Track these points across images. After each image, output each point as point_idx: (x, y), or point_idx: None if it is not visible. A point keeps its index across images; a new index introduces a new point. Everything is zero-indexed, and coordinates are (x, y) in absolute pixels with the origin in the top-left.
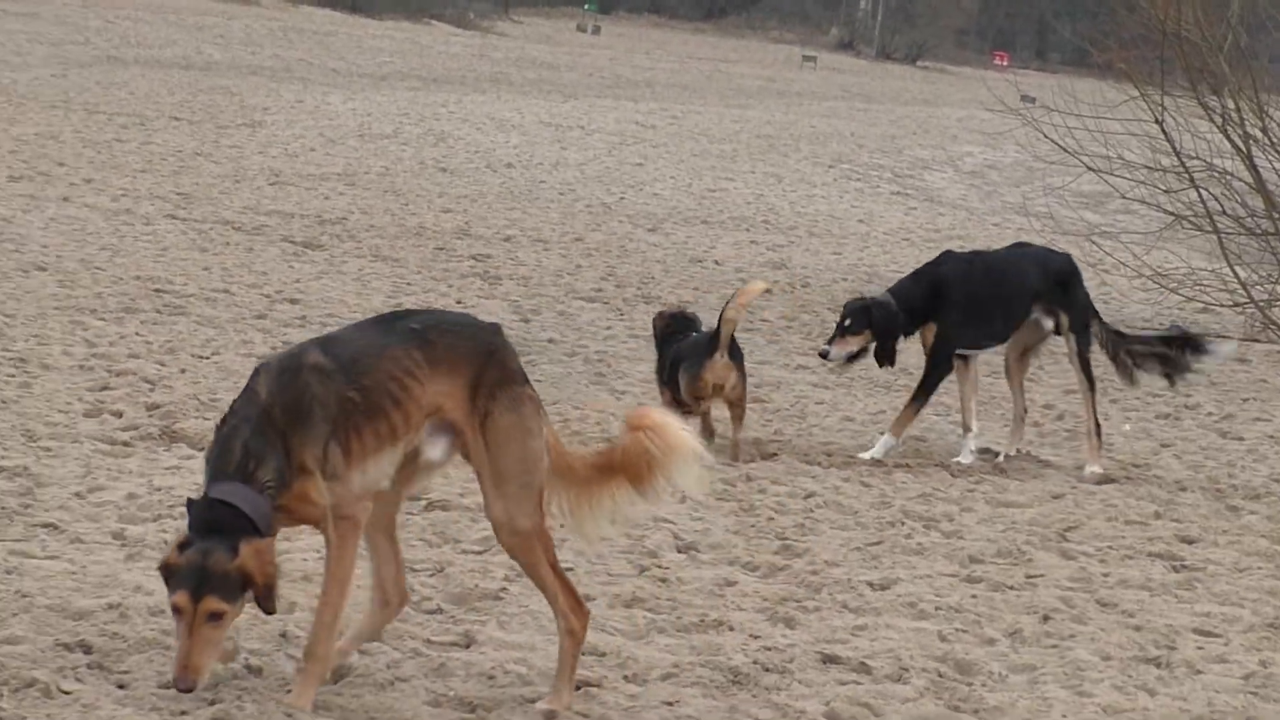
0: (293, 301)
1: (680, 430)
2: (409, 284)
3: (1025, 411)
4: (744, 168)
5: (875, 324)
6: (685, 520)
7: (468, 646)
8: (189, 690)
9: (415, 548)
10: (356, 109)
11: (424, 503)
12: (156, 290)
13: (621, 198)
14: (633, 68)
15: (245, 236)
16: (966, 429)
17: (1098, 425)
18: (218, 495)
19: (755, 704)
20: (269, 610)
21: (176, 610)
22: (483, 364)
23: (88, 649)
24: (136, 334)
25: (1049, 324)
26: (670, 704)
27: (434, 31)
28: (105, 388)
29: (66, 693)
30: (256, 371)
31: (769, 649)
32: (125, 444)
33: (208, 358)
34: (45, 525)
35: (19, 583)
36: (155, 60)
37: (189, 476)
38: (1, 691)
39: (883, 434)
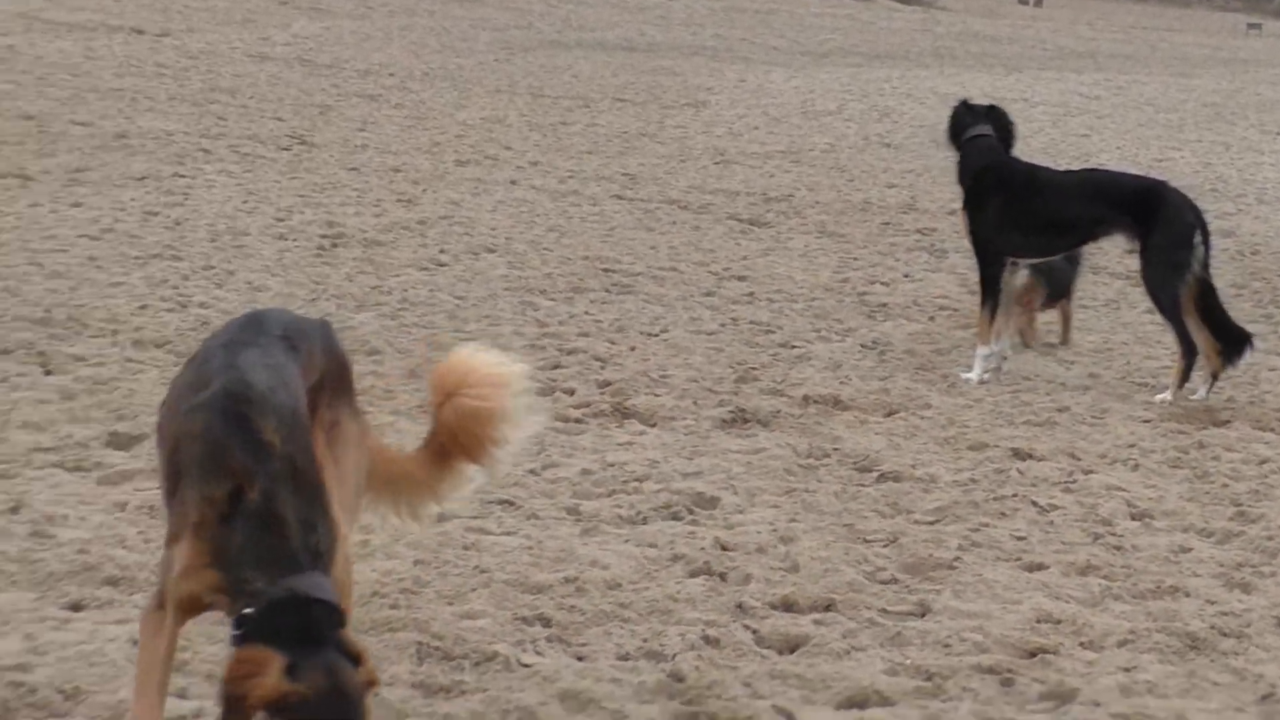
0: (740, 278)
1: (490, 367)
2: (855, 259)
3: None
4: (1190, 136)
5: None
6: (1139, 488)
7: (923, 615)
8: None
9: (869, 519)
10: (799, 86)
11: (876, 474)
12: (605, 269)
13: (1067, 170)
14: (1075, 39)
15: (691, 215)
16: None
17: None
18: (305, 589)
19: (1213, 669)
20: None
21: None
22: (330, 367)
23: (546, 622)
24: (586, 313)
25: None
26: (1127, 670)
27: (875, 8)
28: (557, 366)
29: (526, 665)
30: (241, 416)
31: (1226, 614)
32: (578, 421)
33: (657, 335)
34: (501, 502)
35: (477, 558)
36: (598, 43)
37: (641, 452)
38: (464, 665)
39: None
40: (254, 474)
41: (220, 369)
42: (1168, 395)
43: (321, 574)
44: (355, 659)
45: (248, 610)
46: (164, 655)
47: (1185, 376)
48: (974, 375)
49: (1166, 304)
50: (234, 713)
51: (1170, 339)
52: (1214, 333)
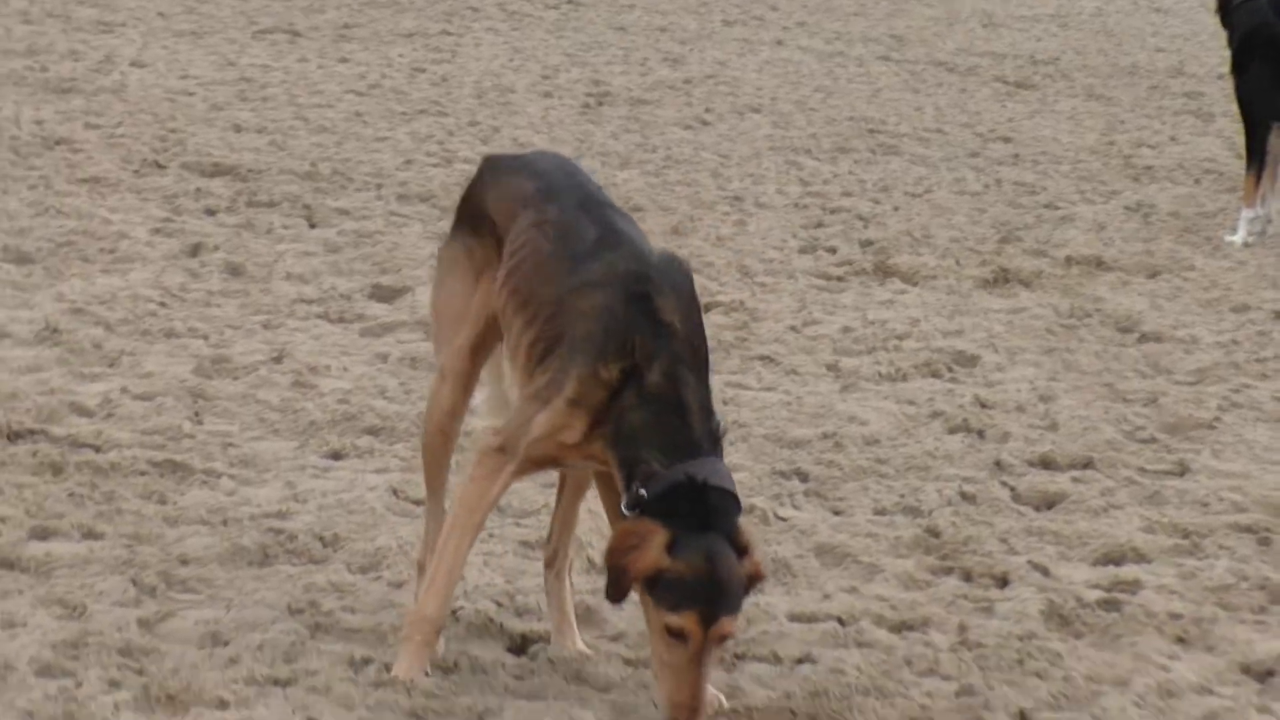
0: (1005, 140)
1: None
2: (1121, 122)
3: None
4: None
5: None
6: None
7: (1182, 475)
8: None
9: (1129, 378)
10: None
11: (1137, 335)
12: (870, 130)
13: None
14: None
15: (958, 77)
16: None
17: None
18: (704, 476)
19: None
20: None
21: (678, 635)
22: None
23: (804, 477)
24: (850, 173)
25: None
26: None
27: None
28: (819, 225)
29: (783, 519)
30: (644, 294)
31: None
32: (839, 279)
33: (920, 195)
34: (761, 358)
35: (736, 413)
36: None
37: (903, 310)
38: None
39: None
40: (655, 356)
41: (606, 243)
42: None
43: (719, 459)
44: (743, 550)
45: (643, 491)
46: (494, 498)
47: None
48: (1238, 238)
49: None
50: (615, 584)
51: None
52: None
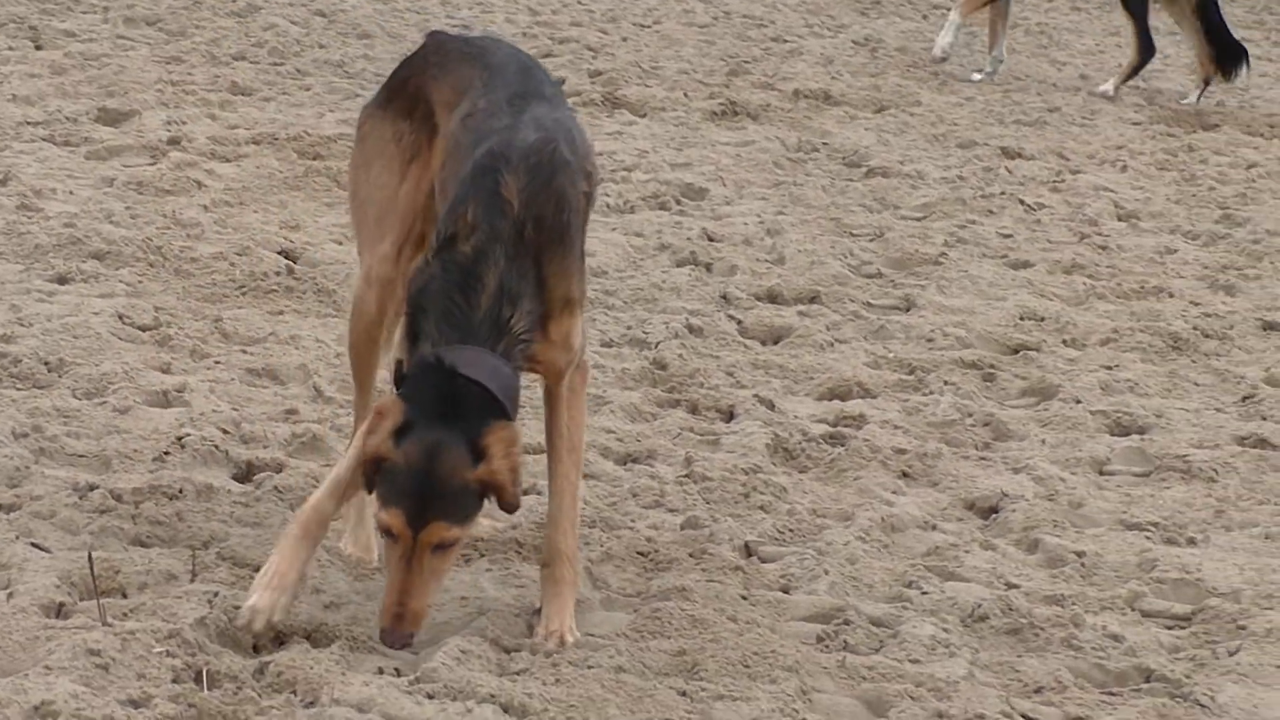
0: None
1: None
2: None
3: None
4: None
5: None
6: (1126, 189)
7: (907, 310)
8: (404, 647)
9: (855, 213)
10: None
11: (864, 169)
12: None
13: None
14: None
15: None
16: None
17: None
18: (457, 364)
19: (1195, 369)
20: (511, 510)
21: (388, 533)
22: None
23: None
24: (579, 2)
25: None
26: (1109, 368)
27: None
28: (548, 55)
29: None
30: (492, 169)
31: (1209, 315)
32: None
33: (649, 26)
34: None
35: None
36: None
37: (631, 142)
38: None
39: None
40: (474, 228)
41: (502, 126)
42: (1109, 87)
43: (495, 354)
44: (480, 453)
45: (405, 368)
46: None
47: (1133, 73)
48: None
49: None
50: (360, 459)
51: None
52: (1210, 40)
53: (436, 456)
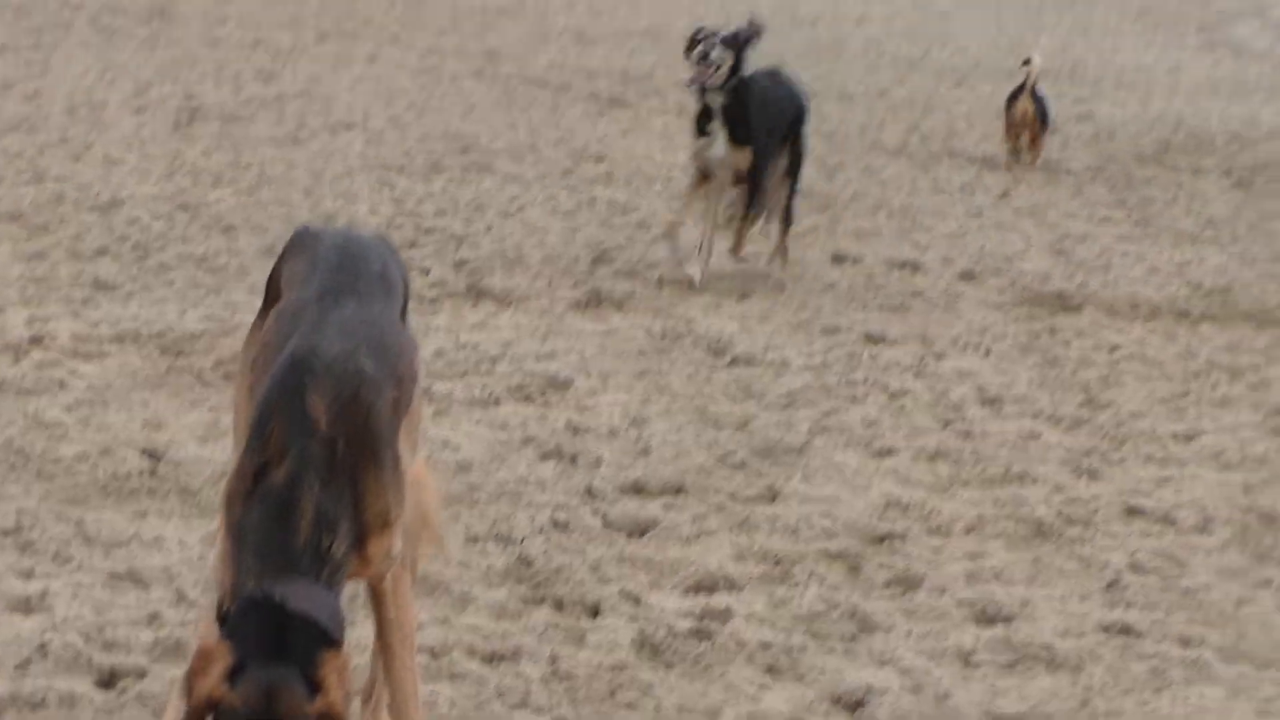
0: (598, 159)
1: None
2: None
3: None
4: (1050, 20)
5: None
6: (989, 374)
7: (772, 500)
8: None
9: (720, 402)
10: None
11: (728, 358)
12: (463, 148)
13: (927, 51)
14: None
15: (551, 94)
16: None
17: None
18: (286, 600)
19: (1059, 556)
20: None
21: None
22: (405, 301)
23: None
24: (443, 191)
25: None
26: (974, 556)
27: None
28: (413, 245)
29: None
30: (298, 384)
31: (1073, 501)
32: (432, 300)
33: (513, 215)
34: None
35: None
36: None
37: (496, 333)
38: None
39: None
40: (285, 452)
41: (305, 329)
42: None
43: (320, 584)
44: (317, 686)
45: (229, 608)
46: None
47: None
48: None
49: None
50: (190, 706)
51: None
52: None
53: (275, 696)
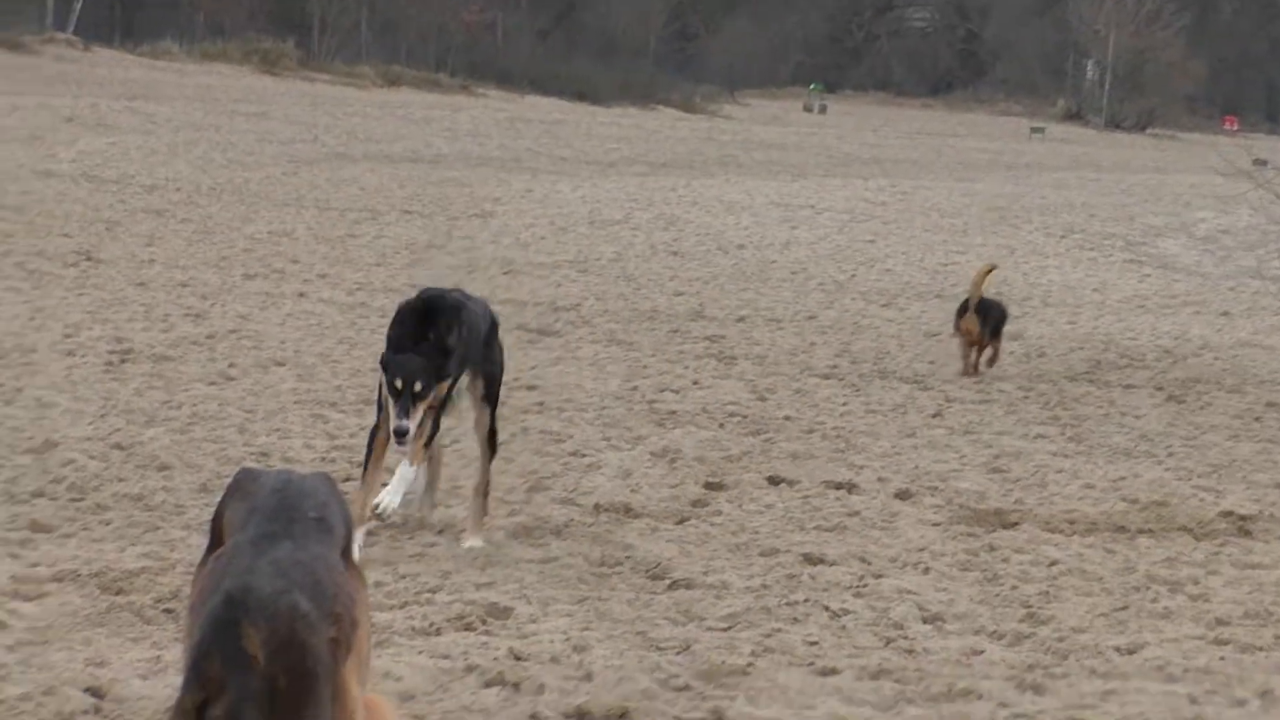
0: (530, 388)
1: None
2: (645, 367)
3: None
4: (976, 240)
5: None
6: (930, 591)
7: None
8: None
9: (661, 626)
10: (586, 196)
11: (668, 582)
12: None
13: (854, 274)
14: (860, 145)
15: None
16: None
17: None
18: None
19: None
20: None
21: None
22: (347, 540)
23: None
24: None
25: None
26: None
27: (660, 116)
28: (348, 479)
29: None
30: (232, 621)
31: (1019, 716)
32: (370, 533)
33: (447, 445)
34: None
35: None
36: (383, 155)
37: (434, 563)
38: None
39: None
40: (224, 688)
41: (239, 569)
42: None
43: None
44: None
45: None
46: None
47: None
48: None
49: None
50: None
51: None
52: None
53: None
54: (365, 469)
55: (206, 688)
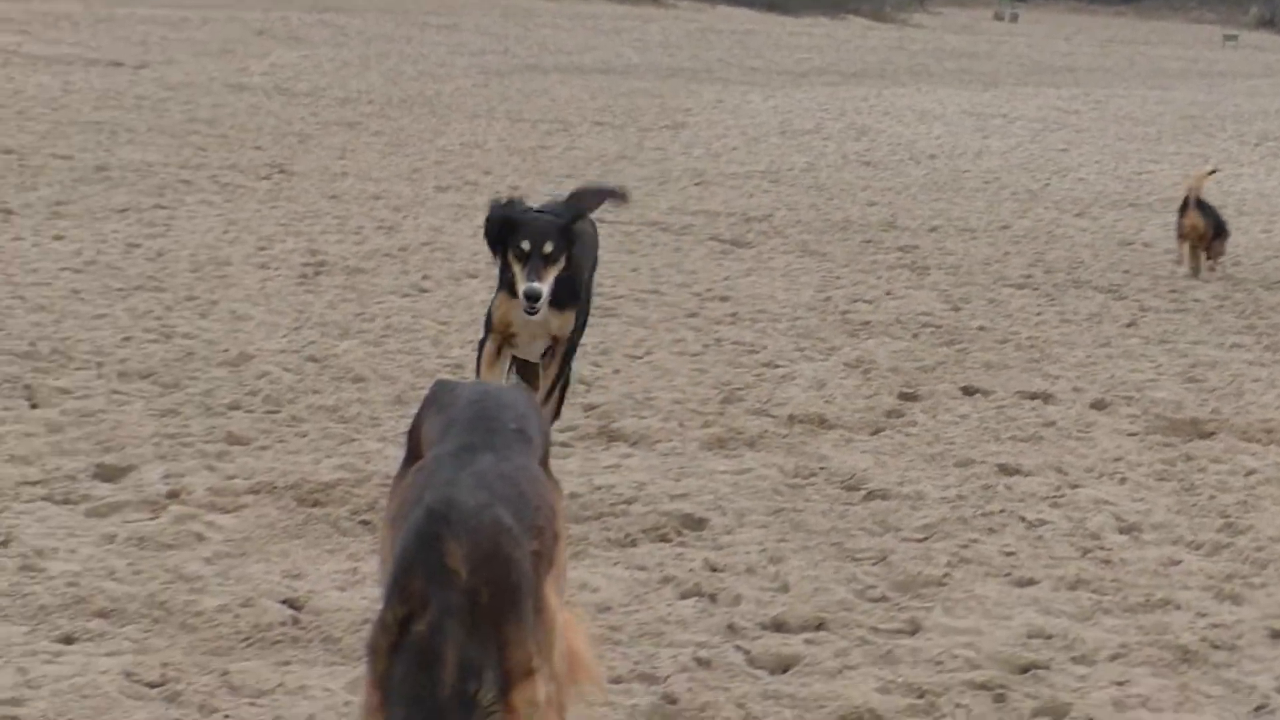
0: (723, 299)
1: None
2: (838, 278)
3: None
4: (1169, 149)
5: None
6: (1126, 501)
7: (914, 633)
8: None
9: (857, 537)
10: (777, 106)
11: (863, 492)
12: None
13: (1047, 184)
14: (1052, 54)
15: (673, 237)
16: None
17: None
18: None
19: (1205, 681)
20: None
21: None
22: (545, 451)
23: None
24: None
25: None
26: (1120, 684)
27: (851, 26)
28: None
29: None
30: (435, 535)
31: (1217, 626)
32: (564, 445)
33: (641, 357)
34: None
35: None
36: (574, 66)
37: (628, 474)
38: None
39: None
40: (426, 603)
41: (441, 481)
42: None
43: None
44: None
45: None
46: None
47: None
48: None
49: None
50: None
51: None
52: None
53: None
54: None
55: (409, 602)
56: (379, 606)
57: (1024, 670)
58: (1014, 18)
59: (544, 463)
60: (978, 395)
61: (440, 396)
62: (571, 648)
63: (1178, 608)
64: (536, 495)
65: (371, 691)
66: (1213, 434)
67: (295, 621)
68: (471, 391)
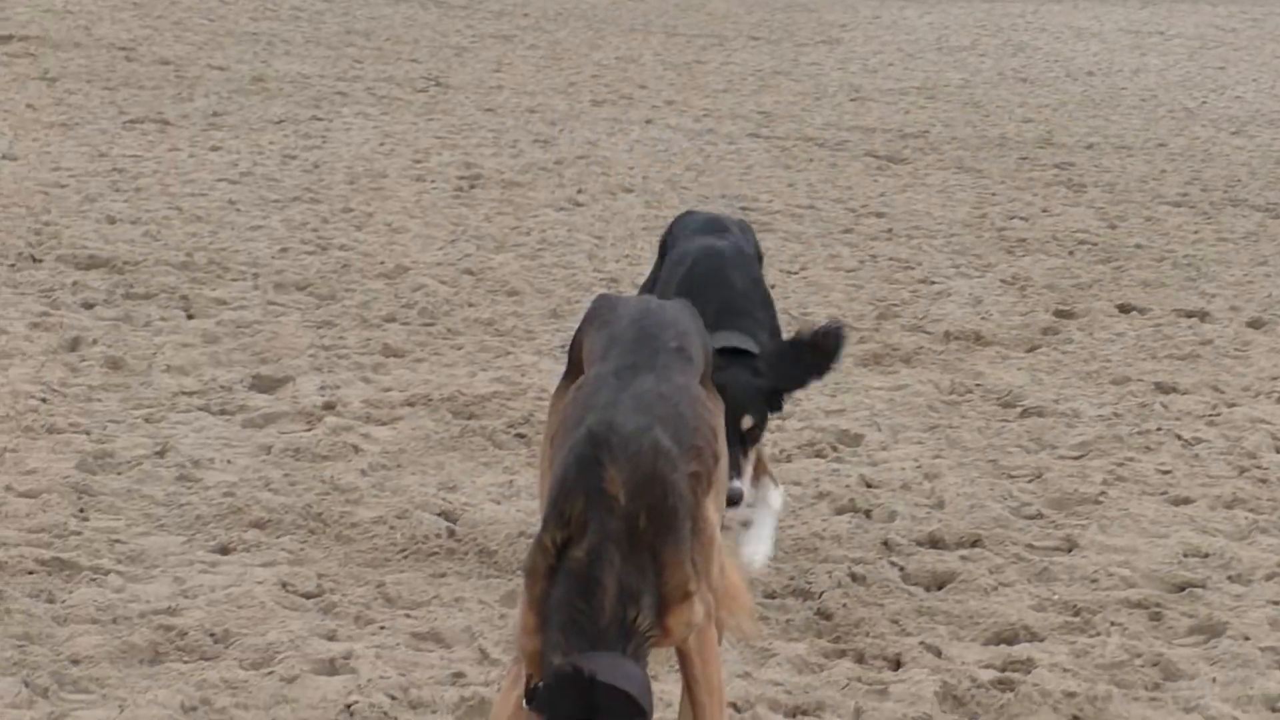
0: (878, 215)
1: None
2: (993, 194)
3: None
4: None
5: None
6: None
7: (1070, 551)
8: None
9: (1013, 454)
10: (933, 22)
11: (1019, 410)
12: (743, 208)
13: (1204, 102)
14: None
15: (828, 152)
16: None
17: None
18: (596, 672)
19: None
20: None
21: None
22: (707, 368)
23: None
24: None
25: None
26: (1276, 603)
27: None
28: None
29: None
30: (595, 460)
31: None
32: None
33: (796, 273)
34: None
35: None
36: None
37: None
38: None
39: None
40: (586, 528)
41: (601, 404)
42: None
43: (628, 656)
44: None
45: (538, 683)
46: (511, 712)
47: None
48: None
49: None
50: None
51: None
52: None
53: None
54: None
55: (568, 527)
56: (537, 528)
57: (1180, 589)
58: None
59: (705, 379)
60: (1134, 313)
61: (602, 312)
62: (727, 577)
63: None
64: (696, 416)
65: (528, 613)
66: None
67: (451, 534)
68: (633, 308)
